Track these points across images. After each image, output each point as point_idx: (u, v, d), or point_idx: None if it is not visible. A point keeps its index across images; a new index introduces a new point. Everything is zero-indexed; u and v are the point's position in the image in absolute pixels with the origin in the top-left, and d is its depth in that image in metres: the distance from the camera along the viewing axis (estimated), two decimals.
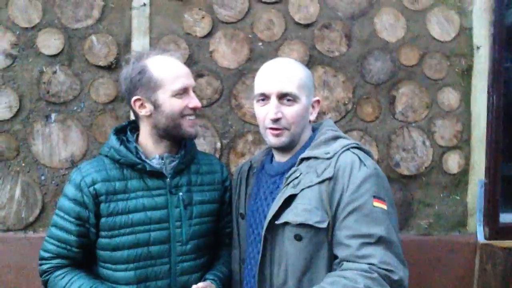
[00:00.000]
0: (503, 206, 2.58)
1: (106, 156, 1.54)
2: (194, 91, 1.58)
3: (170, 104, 1.51)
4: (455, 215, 2.50)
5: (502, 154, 2.53)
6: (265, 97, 1.45)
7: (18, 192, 2.24)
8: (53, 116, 2.25)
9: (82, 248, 1.51)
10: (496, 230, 2.50)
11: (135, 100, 1.53)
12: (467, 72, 2.48)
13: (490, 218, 2.50)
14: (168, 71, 1.51)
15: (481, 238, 2.49)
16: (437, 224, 2.49)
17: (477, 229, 2.50)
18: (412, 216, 2.48)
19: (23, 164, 2.25)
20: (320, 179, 1.33)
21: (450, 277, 2.46)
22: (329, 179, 1.32)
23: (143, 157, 1.54)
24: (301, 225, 1.31)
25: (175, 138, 1.57)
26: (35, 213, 2.25)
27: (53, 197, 2.25)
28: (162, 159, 1.56)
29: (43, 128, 2.25)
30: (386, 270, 1.21)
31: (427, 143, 2.46)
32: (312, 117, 1.52)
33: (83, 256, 1.53)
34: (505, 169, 2.59)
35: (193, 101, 1.54)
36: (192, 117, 1.56)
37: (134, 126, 1.64)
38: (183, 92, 1.52)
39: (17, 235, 2.25)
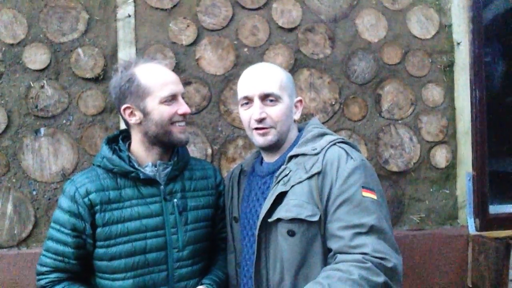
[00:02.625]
0: (493, 198, 2.63)
1: (99, 166, 1.54)
2: (183, 97, 1.59)
3: (159, 111, 1.51)
4: (446, 209, 2.55)
5: (488, 147, 2.59)
6: (248, 100, 1.49)
7: (10, 208, 2.22)
8: (42, 130, 2.25)
9: (80, 259, 1.50)
10: (486, 221, 2.55)
11: (125, 109, 1.53)
12: (449, 68, 2.55)
13: (480, 209, 2.55)
14: (156, 78, 1.52)
15: (472, 230, 2.53)
16: (428, 219, 2.53)
17: (468, 221, 2.55)
18: (403, 212, 2.51)
19: (14, 180, 2.24)
20: (309, 175, 1.36)
21: (444, 270, 2.50)
22: (318, 173, 1.35)
23: (136, 165, 1.54)
24: (293, 220, 1.33)
25: (166, 145, 1.58)
26: (28, 229, 2.23)
27: (46, 212, 2.24)
28: (155, 166, 1.56)
29: (33, 143, 2.25)
30: (379, 258, 1.23)
31: (414, 139, 2.51)
32: (296, 116, 1.56)
33: (81, 268, 1.52)
34: (492, 163, 2.64)
35: (182, 108, 1.55)
36: (182, 124, 1.57)
37: (126, 135, 1.65)
38: (171, 98, 1.53)
39: (10, 251, 2.22)
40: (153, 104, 1.51)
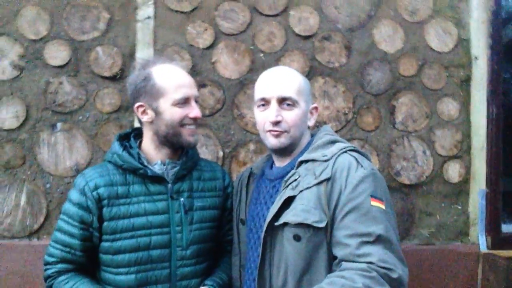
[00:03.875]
0: (505, 217, 2.58)
1: (110, 161, 1.57)
2: (197, 101, 1.61)
3: (170, 112, 1.53)
4: (457, 225, 2.50)
5: (503, 165, 2.54)
6: (265, 102, 1.49)
7: (23, 200, 2.28)
8: (58, 125, 2.30)
9: (86, 252, 1.53)
10: (498, 240, 2.49)
11: (138, 106, 1.56)
12: (466, 82, 2.52)
13: (492, 227, 2.49)
14: (171, 80, 1.54)
15: (483, 248, 2.48)
16: (438, 234, 2.49)
17: (479, 239, 2.49)
18: (413, 226, 2.48)
19: (28, 173, 2.29)
20: (318, 181, 1.35)
21: (453, 287, 2.45)
22: (327, 180, 1.35)
23: (145, 163, 1.57)
24: (300, 225, 1.32)
25: (175, 145, 1.60)
26: (40, 221, 2.28)
27: (58, 205, 2.28)
28: (164, 164, 1.59)
29: (49, 137, 2.30)
30: (385, 268, 1.21)
31: (428, 152, 2.48)
32: (311, 123, 1.56)
33: (87, 260, 1.55)
34: (505, 182, 2.59)
35: (194, 111, 1.56)
36: (192, 127, 1.58)
37: (137, 133, 1.68)
38: (184, 101, 1.55)
39: (21, 242, 2.28)
40: (165, 105, 1.53)
